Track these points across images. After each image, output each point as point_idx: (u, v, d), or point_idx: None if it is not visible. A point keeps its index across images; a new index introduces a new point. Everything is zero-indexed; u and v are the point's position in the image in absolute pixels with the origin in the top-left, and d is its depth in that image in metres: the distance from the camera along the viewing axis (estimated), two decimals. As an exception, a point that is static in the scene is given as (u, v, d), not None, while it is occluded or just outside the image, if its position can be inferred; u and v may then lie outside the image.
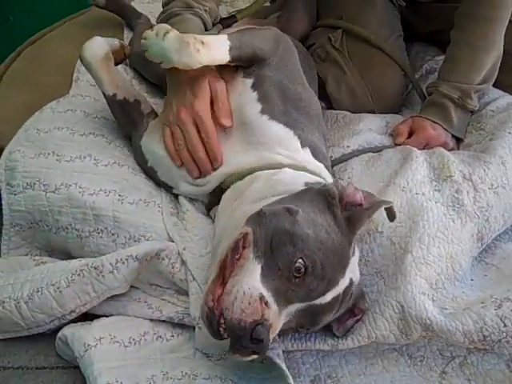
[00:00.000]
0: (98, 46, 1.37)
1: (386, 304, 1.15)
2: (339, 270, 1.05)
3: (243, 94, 1.28)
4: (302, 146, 1.28)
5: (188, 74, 1.26)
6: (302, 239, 1.00)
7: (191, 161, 1.28)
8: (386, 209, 1.18)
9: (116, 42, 1.45)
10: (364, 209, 1.13)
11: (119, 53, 1.45)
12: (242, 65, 1.30)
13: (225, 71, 1.31)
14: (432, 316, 1.10)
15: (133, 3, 2.19)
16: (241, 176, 1.25)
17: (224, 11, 2.20)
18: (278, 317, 0.97)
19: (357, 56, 1.80)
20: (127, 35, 2.04)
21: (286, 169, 1.23)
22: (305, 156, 1.28)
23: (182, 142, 1.28)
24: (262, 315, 0.94)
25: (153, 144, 1.35)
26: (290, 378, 1.05)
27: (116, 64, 1.43)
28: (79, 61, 1.72)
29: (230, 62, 1.24)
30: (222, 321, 0.95)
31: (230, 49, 1.23)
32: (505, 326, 1.08)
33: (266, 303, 0.95)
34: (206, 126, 1.26)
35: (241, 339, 0.93)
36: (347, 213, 1.11)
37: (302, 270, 0.99)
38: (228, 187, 1.26)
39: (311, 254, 1.00)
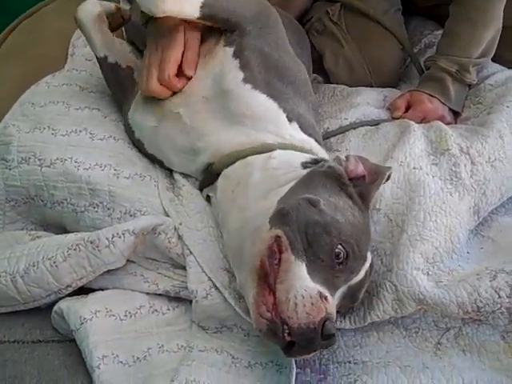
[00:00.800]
0: (92, 7, 1.37)
1: (381, 285, 1.15)
2: (368, 246, 1.08)
3: (224, 62, 1.25)
4: (289, 119, 1.24)
5: (163, 24, 1.25)
6: (335, 226, 1.01)
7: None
8: None
9: (112, 4, 1.45)
10: (369, 182, 1.16)
11: (116, 16, 1.44)
12: (216, 25, 1.26)
13: (206, 43, 1.29)
14: (424, 290, 1.10)
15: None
16: (230, 160, 1.22)
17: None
18: (334, 306, 0.99)
19: (355, 29, 1.78)
20: (123, 7, 2.01)
21: (276, 151, 1.20)
22: (293, 131, 1.25)
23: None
24: (326, 311, 0.94)
25: (139, 115, 1.34)
26: None
27: (114, 29, 1.44)
28: (74, 35, 1.73)
29: (200, 18, 1.20)
30: (285, 327, 0.94)
31: (203, 5, 1.19)
32: (499, 297, 1.09)
33: (326, 298, 0.96)
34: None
35: (313, 340, 0.94)
36: (358, 189, 1.13)
37: (343, 255, 1.00)
38: (219, 173, 1.23)
39: (347, 238, 1.01)
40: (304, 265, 0.98)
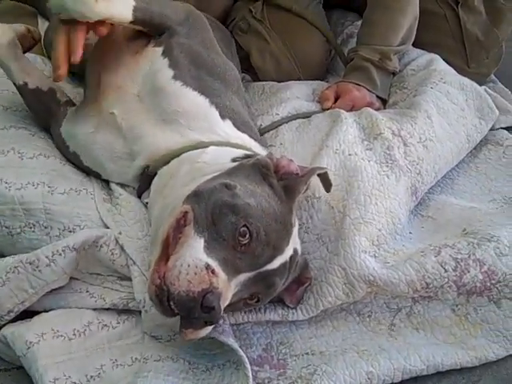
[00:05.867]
0: (2, 33, 1.31)
1: (329, 271, 1.16)
2: (283, 237, 1.05)
3: (154, 61, 1.25)
4: (222, 116, 1.24)
5: None
6: (244, 208, 1.01)
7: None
8: (321, 177, 1.20)
9: (22, 26, 1.37)
10: (300, 176, 1.14)
11: (26, 38, 1.37)
12: (147, 30, 1.26)
13: (136, 42, 1.28)
14: (374, 271, 1.11)
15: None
16: (165, 160, 1.21)
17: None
18: (227, 285, 0.97)
19: (279, 25, 1.80)
20: (41, 25, 1.96)
21: (210, 148, 1.20)
22: (226, 128, 1.25)
23: None
24: (210, 283, 0.93)
25: (73, 128, 1.31)
26: (239, 350, 1.05)
27: (25, 51, 1.37)
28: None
29: (132, 22, 1.19)
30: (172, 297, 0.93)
31: (135, 9, 1.18)
32: (445, 271, 1.12)
33: (213, 271, 0.95)
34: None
35: (192, 310, 0.92)
36: (284, 182, 1.12)
37: (247, 235, 0.99)
38: (155, 174, 1.23)
39: (254, 221, 1.00)
40: (202, 240, 0.98)
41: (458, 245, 1.15)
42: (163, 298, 0.93)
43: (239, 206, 1.00)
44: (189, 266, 0.93)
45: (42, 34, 1.83)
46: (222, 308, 0.95)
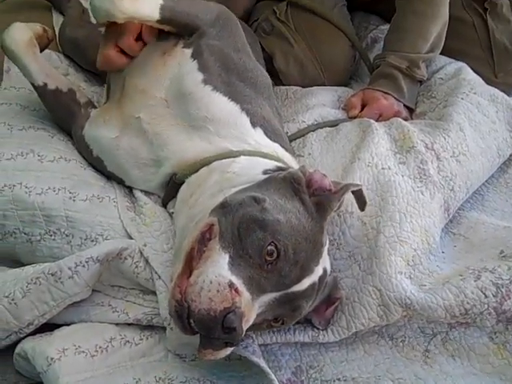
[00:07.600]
0: (20, 33, 1.27)
1: (363, 291, 1.11)
2: (313, 257, 1.01)
3: (182, 63, 1.21)
4: (253, 124, 1.20)
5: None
6: (273, 224, 0.96)
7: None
8: (355, 194, 1.14)
9: (37, 26, 1.33)
10: (333, 193, 1.09)
11: (43, 38, 1.33)
12: (176, 31, 1.22)
13: (165, 42, 1.24)
14: (411, 295, 1.07)
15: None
16: (195, 168, 1.17)
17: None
18: (251, 305, 0.92)
19: (303, 28, 1.75)
20: (56, 20, 1.92)
21: (241, 157, 1.16)
22: (257, 137, 1.20)
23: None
24: (232, 302, 0.89)
25: (96, 131, 1.27)
26: (271, 373, 1.00)
27: (41, 50, 1.33)
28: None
29: (159, 21, 1.17)
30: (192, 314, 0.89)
31: (162, 8, 1.15)
32: (486, 297, 1.07)
33: (237, 290, 0.90)
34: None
35: (212, 330, 0.88)
36: (316, 198, 1.07)
37: (274, 254, 0.94)
38: (182, 182, 1.18)
39: (283, 239, 0.95)
40: (227, 256, 0.94)
41: (498, 269, 1.10)
42: (183, 314, 0.90)
43: (267, 222, 0.96)
44: (211, 282, 0.89)
45: (57, 28, 1.80)
46: (244, 329, 0.91)
